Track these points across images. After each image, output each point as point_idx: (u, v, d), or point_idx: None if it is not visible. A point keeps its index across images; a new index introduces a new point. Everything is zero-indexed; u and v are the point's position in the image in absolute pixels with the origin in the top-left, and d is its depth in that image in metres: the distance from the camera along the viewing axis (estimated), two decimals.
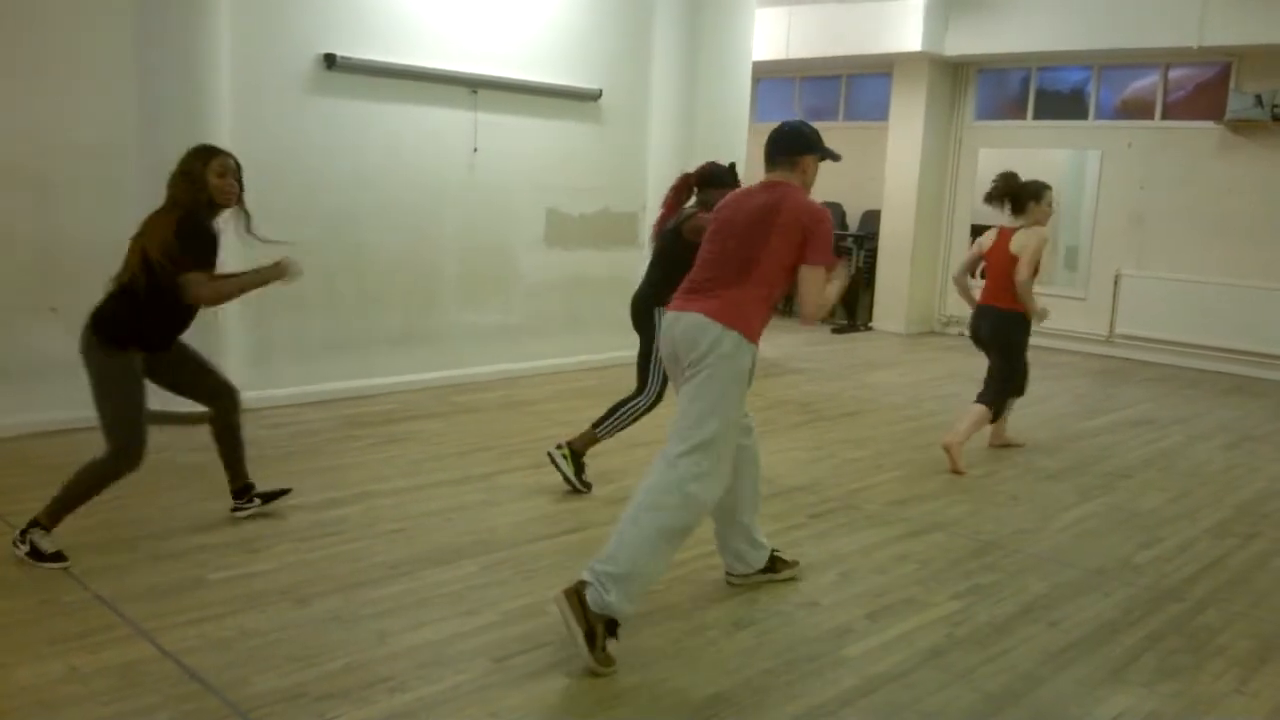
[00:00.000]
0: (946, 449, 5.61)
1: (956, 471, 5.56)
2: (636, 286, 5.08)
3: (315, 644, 3.29)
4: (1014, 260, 5.68)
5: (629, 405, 4.95)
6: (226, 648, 3.24)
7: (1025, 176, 5.96)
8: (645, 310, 4.95)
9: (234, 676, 3.06)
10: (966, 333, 6.24)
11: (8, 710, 2.83)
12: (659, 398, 4.93)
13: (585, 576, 3.18)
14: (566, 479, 4.95)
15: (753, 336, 3.35)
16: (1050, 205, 5.86)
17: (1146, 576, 4.22)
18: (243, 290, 4.02)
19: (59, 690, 2.94)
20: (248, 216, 4.10)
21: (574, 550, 4.23)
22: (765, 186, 3.48)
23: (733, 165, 5.05)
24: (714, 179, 4.93)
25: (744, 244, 3.37)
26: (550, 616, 3.53)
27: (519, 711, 2.94)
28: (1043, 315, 5.80)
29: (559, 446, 4.98)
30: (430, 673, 3.13)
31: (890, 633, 3.55)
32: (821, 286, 3.34)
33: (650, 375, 4.94)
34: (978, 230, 10.70)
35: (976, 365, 6.22)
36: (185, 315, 4.01)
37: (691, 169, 5.06)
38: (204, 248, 3.86)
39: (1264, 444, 6.67)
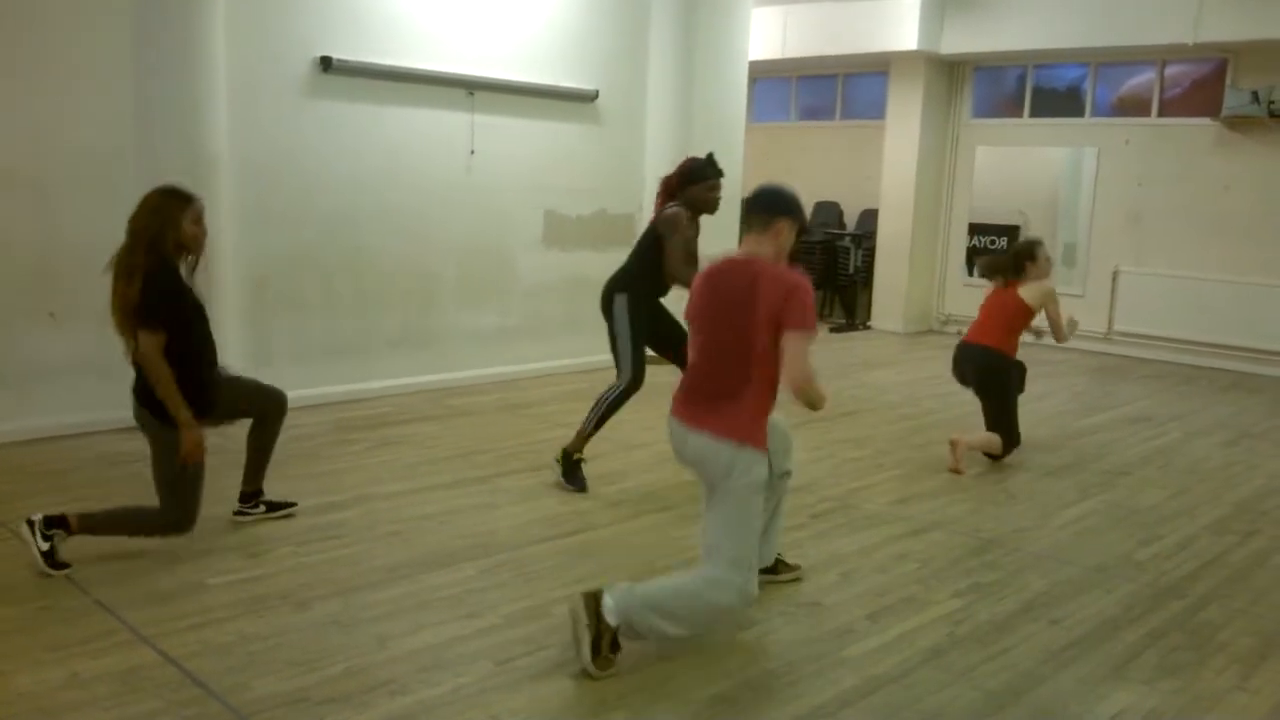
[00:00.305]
0: (953, 444, 5.62)
1: (956, 470, 5.56)
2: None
3: (315, 648, 3.29)
4: (1018, 307, 5.63)
5: (608, 391, 5.02)
6: (227, 652, 3.23)
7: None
8: (609, 297, 5.03)
9: (235, 681, 3.05)
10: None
11: (8, 717, 2.83)
12: (637, 380, 4.97)
13: (615, 585, 3.20)
14: (560, 481, 5.01)
15: (763, 442, 3.29)
16: (1048, 260, 5.79)
17: (1147, 573, 4.22)
18: (165, 398, 3.77)
19: (60, 696, 2.94)
20: (198, 262, 4.02)
21: (574, 552, 4.23)
22: (738, 265, 3.34)
23: (710, 156, 5.02)
24: (694, 175, 4.95)
25: (736, 332, 3.26)
26: (551, 619, 3.54)
27: (520, 714, 2.93)
28: (1073, 326, 5.79)
29: (557, 459, 5.06)
30: (431, 676, 3.13)
31: (891, 632, 3.55)
32: (804, 354, 3.17)
33: (623, 359, 4.98)
34: (975, 229, 10.77)
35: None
36: (212, 357, 4.01)
37: (672, 171, 5.08)
38: (170, 306, 3.78)
39: (1262, 440, 6.67)
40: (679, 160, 5.25)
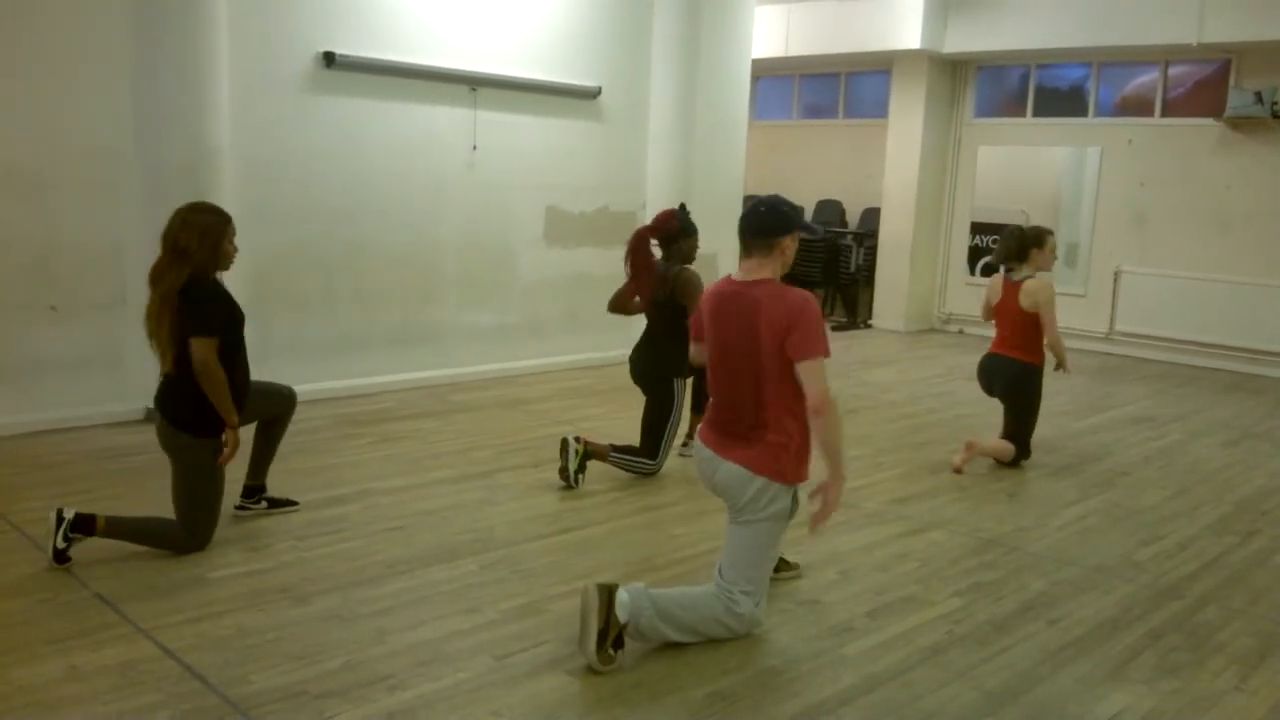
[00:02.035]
0: (969, 445, 5.63)
1: (957, 470, 5.55)
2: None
3: (315, 642, 3.29)
4: (1025, 314, 5.61)
5: (640, 462, 5.12)
6: (226, 646, 3.24)
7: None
8: (665, 381, 5.09)
9: (234, 675, 3.05)
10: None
11: (7, 710, 2.83)
12: (661, 469, 5.17)
13: (631, 584, 3.22)
14: (564, 470, 4.96)
15: (791, 476, 3.29)
16: (1053, 251, 5.76)
17: (1146, 574, 4.22)
18: (219, 402, 3.85)
19: (59, 689, 2.94)
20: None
21: (572, 548, 4.23)
22: (741, 288, 3.32)
23: (683, 206, 5.29)
24: (687, 229, 5.15)
25: (746, 360, 3.28)
26: (549, 614, 3.55)
27: (519, 709, 2.94)
28: (1066, 366, 5.80)
29: (577, 439, 5.00)
30: (430, 670, 3.13)
31: (890, 631, 3.55)
32: (821, 378, 3.16)
33: (662, 447, 5.11)
34: (977, 228, 10.76)
35: (975, 362, 6.18)
36: (246, 365, 4.07)
37: (650, 223, 5.24)
38: (221, 310, 3.89)
39: (1263, 441, 6.67)
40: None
